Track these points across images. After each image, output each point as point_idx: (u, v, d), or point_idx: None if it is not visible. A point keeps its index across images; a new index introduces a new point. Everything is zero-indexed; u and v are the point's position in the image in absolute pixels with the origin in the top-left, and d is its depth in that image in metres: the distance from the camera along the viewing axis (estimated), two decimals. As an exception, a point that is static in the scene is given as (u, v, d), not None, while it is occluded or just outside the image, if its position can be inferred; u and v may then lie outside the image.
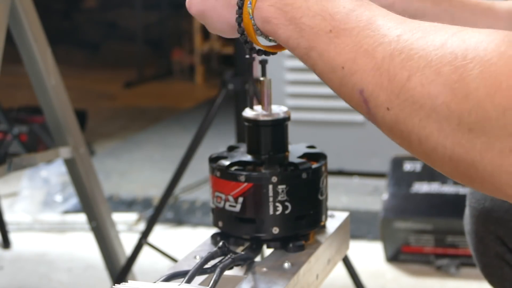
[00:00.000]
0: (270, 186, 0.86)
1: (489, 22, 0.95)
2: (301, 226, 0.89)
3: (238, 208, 0.87)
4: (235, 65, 1.86)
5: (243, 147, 0.95)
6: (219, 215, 0.89)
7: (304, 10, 0.70)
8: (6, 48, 1.51)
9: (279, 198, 0.87)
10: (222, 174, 0.88)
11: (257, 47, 0.80)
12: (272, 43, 0.78)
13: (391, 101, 0.62)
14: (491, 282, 1.05)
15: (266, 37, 0.76)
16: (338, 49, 0.66)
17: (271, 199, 0.87)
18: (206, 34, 5.41)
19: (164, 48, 5.95)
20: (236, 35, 0.79)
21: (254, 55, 0.82)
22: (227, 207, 0.88)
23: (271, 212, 0.87)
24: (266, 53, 0.81)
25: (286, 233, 0.88)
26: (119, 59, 6.14)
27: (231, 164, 0.89)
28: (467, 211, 1.04)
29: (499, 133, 0.56)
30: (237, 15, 0.76)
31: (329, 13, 0.68)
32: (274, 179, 0.86)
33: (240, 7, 0.75)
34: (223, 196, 0.88)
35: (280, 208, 0.87)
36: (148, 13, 5.91)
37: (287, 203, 0.87)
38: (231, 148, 0.96)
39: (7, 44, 1.51)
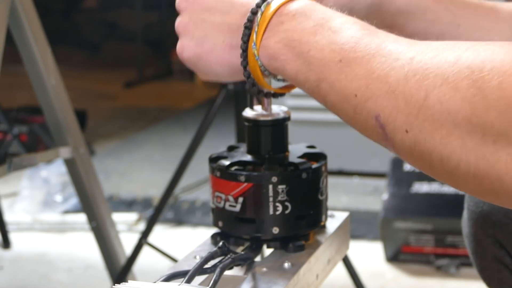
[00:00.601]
0: (270, 186, 0.86)
1: (491, 23, 0.95)
2: (301, 226, 0.89)
3: (238, 208, 0.87)
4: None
5: (243, 147, 0.95)
6: (219, 215, 0.89)
7: (312, 43, 0.69)
8: (6, 48, 1.51)
9: (279, 198, 0.87)
10: (222, 174, 0.88)
11: (265, 90, 0.79)
12: (280, 83, 0.77)
13: (410, 123, 0.61)
14: (489, 285, 1.05)
15: (274, 76, 0.76)
16: (349, 77, 0.65)
17: (271, 199, 0.87)
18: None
19: (164, 48, 5.95)
20: (236, 78, 0.78)
21: (262, 98, 0.81)
22: (227, 207, 0.88)
23: (271, 212, 0.87)
24: (275, 95, 0.81)
25: (286, 233, 0.88)
26: (119, 59, 6.14)
27: (231, 164, 0.89)
28: (465, 214, 1.04)
29: None
30: (242, 59, 0.75)
31: (337, 44, 0.67)
32: (274, 179, 0.86)
33: (245, 50, 0.74)
34: (223, 196, 0.88)
35: (280, 208, 0.87)
36: (148, 13, 5.91)
37: (287, 203, 0.87)
38: (231, 148, 0.96)
39: (7, 44, 1.51)
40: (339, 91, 0.67)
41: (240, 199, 0.87)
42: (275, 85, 0.81)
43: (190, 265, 0.78)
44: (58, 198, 2.67)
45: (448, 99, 0.58)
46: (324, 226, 0.95)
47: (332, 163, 0.99)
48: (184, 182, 2.46)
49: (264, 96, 0.81)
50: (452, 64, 0.59)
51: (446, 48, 0.61)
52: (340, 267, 1.69)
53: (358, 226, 2.40)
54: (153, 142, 3.64)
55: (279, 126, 0.91)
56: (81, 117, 3.60)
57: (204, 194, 2.73)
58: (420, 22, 0.92)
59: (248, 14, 0.74)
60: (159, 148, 3.50)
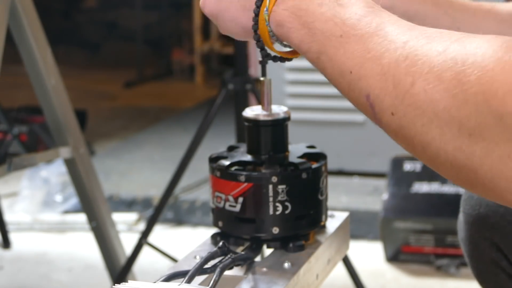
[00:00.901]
0: (270, 186, 0.86)
1: (491, 24, 0.95)
2: (301, 226, 0.89)
3: (238, 208, 0.87)
4: (235, 65, 1.86)
5: (243, 147, 0.95)
6: (219, 215, 0.89)
7: (317, 15, 0.71)
8: (6, 48, 1.51)
9: (279, 198, 0.87)
10: (222, 174, 0.88)
11: (272, 53, 0.80)
12: (287, 49, 0.79)
13: (396, 106, 0.63)
14: None
15: (281, 42, 0.77)
16: (347, 54, 0.67)
17: (271, 199, 0.87)
18: (206, 34, 5.41)
19: (164, 48, 5.95)
20: (248, 38, 0.80)
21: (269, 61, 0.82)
22: (227, 207, 0.88)
23: (271, 212, 0.87)
24: (281, 59, 0.82)
25: (286, 233, 0.88)
26: (119, 59, 6.14)
27: (231, 164, 0.89)
28: (461, 217, 1.04)
29: (497, 139, 0.57)
30: (254, 23, 0.77)
31: (340, 19, 0.69)
32: (274, 179, 0.86)
33: (257, 14, 0.76)
34: (223, 196, 0.88)
35: (280, 208, 0.87)
36: (148, 13, 5.91)
37: (287, 203, 0.87)
38: (231, 148, 0.96)
39: (7, 44, 1.51)
40: (336, 65, 0.69)
41: (240, 199, 0.87)
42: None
43: (190, 265, 0.78)
44: (58, 198, 2.67)
45: (431, 88, 0.60)
46: (324, 226, 0.95)
47: (332, 163, 0.99)
48: (184, 182, 2.46)
49: (272, 59, 0.81)
50: (440, 53, 0.61)
51: (438, 36, 0.63)
52: (340, 267, 1.69)
53: (358, 226, 2.40)
54: (153, 142, 3.64)
55: (279, 126, 0.91)
56: (81, 117, 3.60)
57: (204, 194, 2.73)
58: None
59: None
60: (159, 148, 3.50)
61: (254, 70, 2.54)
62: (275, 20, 0.75)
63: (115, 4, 6.55)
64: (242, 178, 0.87)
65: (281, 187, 0.87)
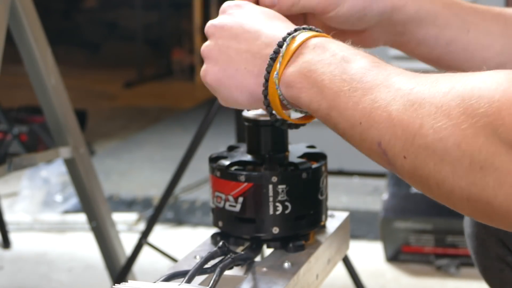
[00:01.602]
0: (270, 186, 0.86)
1: (500, 28, 0.96)
2: (301, 226, 0.89)
3: (238, 208, 0.87)
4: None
5: (243, 147, 0.95)
6: (219, 215, 0.89)
7: (326, 73, 0.73)
8: (6, 48, 1.51)
9: (279, 198, 0.87)
10: (222, 174, 0.88)
11: (282, 120, 0.81)
12: (298, 114, 0.80)
13: (407, 149, 0.65)
14: (491, 285, 1.05)
15: (292, 106, 0.78)
16: (356, 106, 0.69)
17: (271, 199, 0.87)
18: (206, 34, 5.40)
19: (164, 48, 5.95)
20: (255, 106, 0.81)
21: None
22: (227, 207, 0.88)
23: (271, 212, 0.87)
24: (291, 125, 0.83)
25: (286, 233, 0.88)
26: (119, 59, 6.14)
27: (231, 164, 0.89)
28: None
29: (509, 168, 0.58)
30: (264, 88, 0.78)
31: (348, 74, 0.71)
32: (274, 179, 0.86)
33: (267, 79, 0.77)
34: (223, 196, 0.88)
35: (280, 208, 0.87)
36: (148, 13, 5.91)
37: (287, 203, 0.87)
38: (231, 148, 0.96)
39: (7, 44, 1.51)
40: (347, 119, 0.71)
41: (240, 199, 0.87)
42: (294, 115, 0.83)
43: (190, 265, 0.78)
44: (58, 198, 2.67)
45: (440, 126, 0.62)
46: (324, 226, 0.95)
47: (332, 163, 0.99)
48: (184, 182, 2.46)
49: (281, 126, 0.82)
50: (446, 93, 0.62)
51: (443, 79, 0.65)
52: (340, 267, 1.69)
53: (358, 226, 2.40)
54: (153, 142, 3.64)
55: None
56: (81, 117, 3.60)
57: (204, 194, 2.73)
58: (430, 28, 0.94)
59: (275, 46, 0.77)
60: (159, 148, 3.50)
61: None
62: (285, 83, 0.76)
63: (115, 4, 6.55)
64: (242, 178, 0.87)
65: (281, 187, 0.87)
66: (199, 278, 0.79)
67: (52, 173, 2.70)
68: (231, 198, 0.87)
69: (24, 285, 2.11)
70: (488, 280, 1.05)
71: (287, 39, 0.77)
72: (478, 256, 1.04)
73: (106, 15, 6.72)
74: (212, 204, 0.90)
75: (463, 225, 1.07)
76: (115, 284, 0.70)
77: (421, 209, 2.17)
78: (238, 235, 0.90)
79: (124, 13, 6.44)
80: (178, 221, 2.56)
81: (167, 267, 2.10)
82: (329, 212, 0.98)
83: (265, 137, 0.91)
